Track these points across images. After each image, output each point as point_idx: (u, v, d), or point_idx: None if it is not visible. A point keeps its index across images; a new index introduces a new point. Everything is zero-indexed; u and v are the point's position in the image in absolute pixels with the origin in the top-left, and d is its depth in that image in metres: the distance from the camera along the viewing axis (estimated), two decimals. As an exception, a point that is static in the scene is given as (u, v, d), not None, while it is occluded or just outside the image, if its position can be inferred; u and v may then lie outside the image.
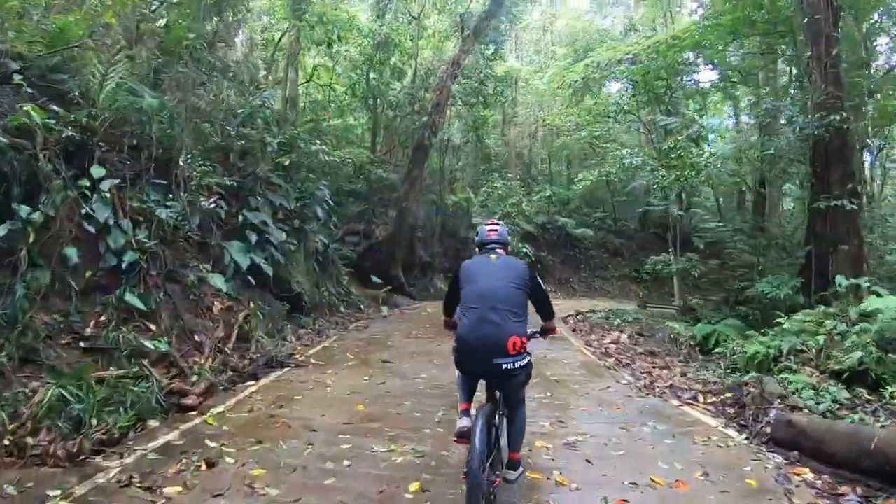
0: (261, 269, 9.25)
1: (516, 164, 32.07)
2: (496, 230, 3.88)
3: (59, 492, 3.80)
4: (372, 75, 21.56)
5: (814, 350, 7.41)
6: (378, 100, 22.68)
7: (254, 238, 9.38)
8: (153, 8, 10.61)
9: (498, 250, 3.78)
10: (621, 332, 12.47)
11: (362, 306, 15.56)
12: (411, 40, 20.45)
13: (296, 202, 11.31)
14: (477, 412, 3.38)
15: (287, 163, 10.90)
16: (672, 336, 11.67)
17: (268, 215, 9.97)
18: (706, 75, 24.22)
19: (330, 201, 12.84)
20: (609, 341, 11.35)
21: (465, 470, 3.06)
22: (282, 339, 9.47)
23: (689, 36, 16.93)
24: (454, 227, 24.68)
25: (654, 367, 8.85)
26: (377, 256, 19.31)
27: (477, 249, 3.92)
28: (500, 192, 27.65)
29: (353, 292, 16.19)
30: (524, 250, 27.80)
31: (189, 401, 5.86)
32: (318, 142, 12.41)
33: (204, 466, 4.32)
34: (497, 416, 3.61)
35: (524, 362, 3.45)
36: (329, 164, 14.38)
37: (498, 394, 3.68)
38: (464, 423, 3.52)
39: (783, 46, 16.21)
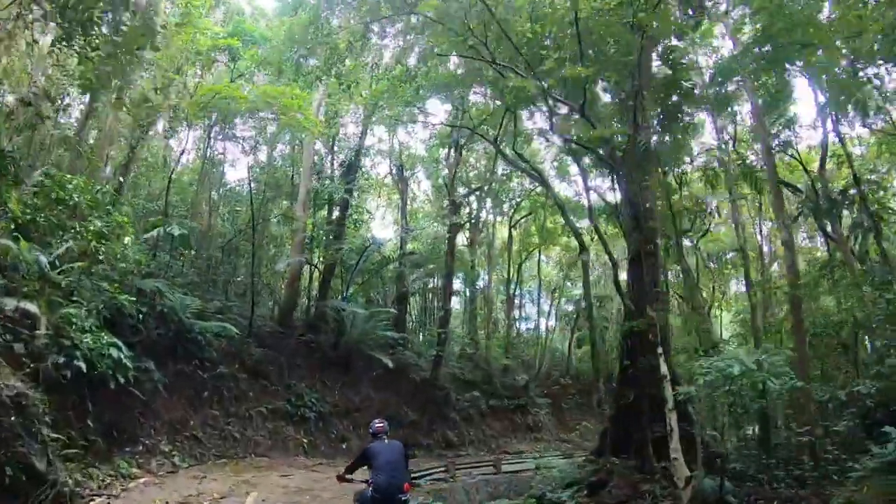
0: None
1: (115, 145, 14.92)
2: (383, 427, 6.49)
3: None
4: None
5: None
6: None
7: None
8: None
9: (385, 437, 6.39)
10: None
11: None
12: None
13: None
14: None
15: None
16: None
17: None
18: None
19: None
20: None
21: None
22: None
23: None
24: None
25: None
26: None
27: (372, 436, 6.49)
28: (62, 193, 10.85)
29: None
30: (111, 357, 10.99)
31: None
32: None
33: None
34: None
35: (408, 496, 6.08)
36: None
37: None
38: None
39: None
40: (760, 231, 25.66)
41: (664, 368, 8.58)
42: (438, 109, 46.05)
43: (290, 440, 17.21)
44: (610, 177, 18.48)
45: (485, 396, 27.86)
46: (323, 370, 21.14)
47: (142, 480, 10.17)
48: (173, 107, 16.26)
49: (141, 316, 12.78)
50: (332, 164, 26.45)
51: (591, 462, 12.26)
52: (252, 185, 21.08)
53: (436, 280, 34.32)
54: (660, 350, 8.71)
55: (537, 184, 31.61)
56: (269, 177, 24.10)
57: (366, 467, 6.32)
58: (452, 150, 27.93)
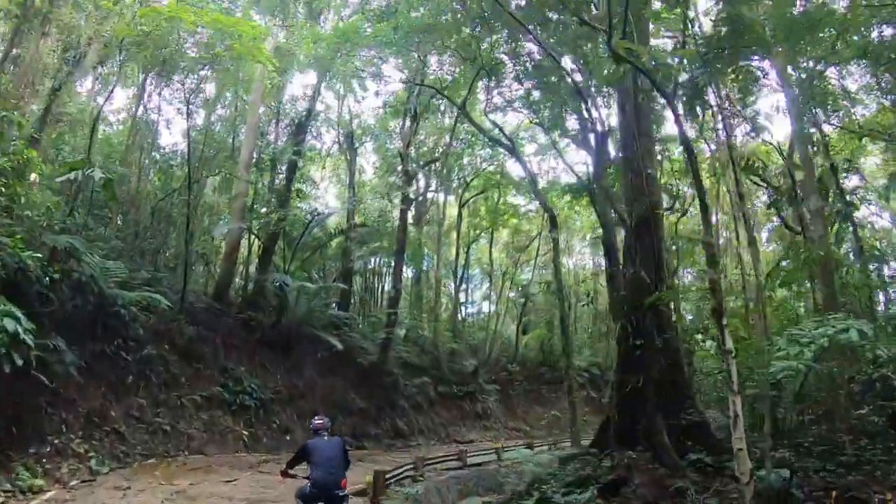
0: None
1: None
2: (322, 423, 6.65)
3: None
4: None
5: None
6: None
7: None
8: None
9: (325, 434, 6.56)
10: None
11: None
12: None
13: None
14: None
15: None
16: None
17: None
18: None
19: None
20: None
21: None
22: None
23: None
24: None
25: None
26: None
27: (312, 432, 6.62)
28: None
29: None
30: (5, 330, 8.16)
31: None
32: None
33: None
34: None
35: (346, 492, 6.26)
36: None
37: None
38: None
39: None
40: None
41: (730, 343, 7.26)
42: (394, 76, 43.75)
43: (229, 433, 14.85)
44: (586, 151, 17.47)
45: (433, 382, 26.31)
46: (263, 352, 18.74)
47: (47, 496, 7.71)
48: (106, 42, 13.30)
49: (50, 281, 10.07)
50: (277, 129, 23.96)
51: (592, 456, 10.94)
52: (190, 143, 18.17)
53: (378, 259, 32.33)
54: (724, 321, 7.38)
55: (495, 159, 30.48)
56: (207, 138, 21.18)
57: (305, 463, 6.53)
58: (409, 120, 25.99)
